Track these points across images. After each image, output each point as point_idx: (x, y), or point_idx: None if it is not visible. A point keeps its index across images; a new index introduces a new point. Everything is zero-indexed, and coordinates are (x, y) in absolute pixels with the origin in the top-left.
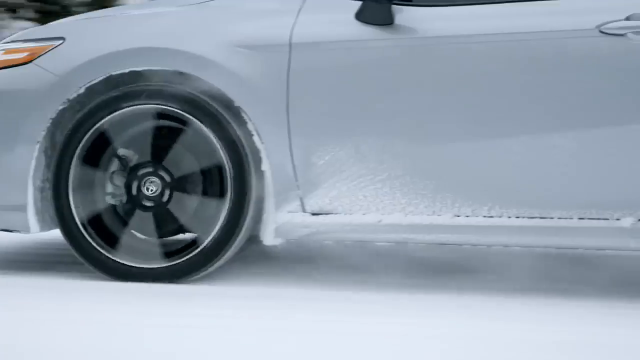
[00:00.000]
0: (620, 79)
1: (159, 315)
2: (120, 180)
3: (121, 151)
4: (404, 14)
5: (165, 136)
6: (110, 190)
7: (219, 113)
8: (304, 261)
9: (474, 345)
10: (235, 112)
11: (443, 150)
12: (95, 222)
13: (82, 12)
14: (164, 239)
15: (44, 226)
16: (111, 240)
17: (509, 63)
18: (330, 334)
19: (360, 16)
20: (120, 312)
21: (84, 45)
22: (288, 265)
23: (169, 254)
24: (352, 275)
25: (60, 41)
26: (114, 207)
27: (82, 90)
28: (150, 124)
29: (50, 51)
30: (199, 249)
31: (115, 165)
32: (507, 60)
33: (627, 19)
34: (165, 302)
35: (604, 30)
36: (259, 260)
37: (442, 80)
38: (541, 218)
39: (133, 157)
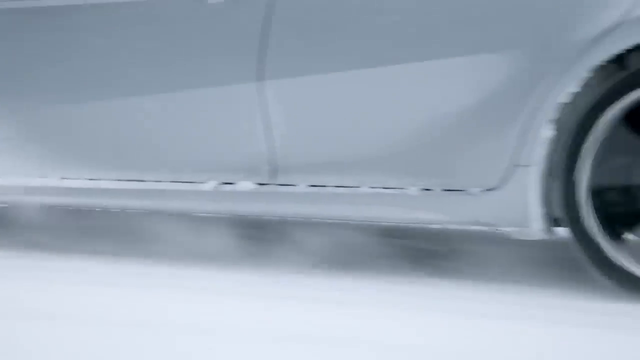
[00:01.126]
0: (199, 42)
1: None
2: None
3: None
4: None
5: None
6: None
7: None
8: None
9: None
10: None
11: (46, 113)
12: None
13: None
14: None
15: None
16: None
17: (106, 26)
18: None
19: None
20: None
21: None
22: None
23: None
24: None
25: None
26: None
27: None
28: None
29: None
30: None
31: None
32: (105, 23)
33: None
34: None
35: None
36: None
37: (44, 45)
38: (137, 181)
39: None
